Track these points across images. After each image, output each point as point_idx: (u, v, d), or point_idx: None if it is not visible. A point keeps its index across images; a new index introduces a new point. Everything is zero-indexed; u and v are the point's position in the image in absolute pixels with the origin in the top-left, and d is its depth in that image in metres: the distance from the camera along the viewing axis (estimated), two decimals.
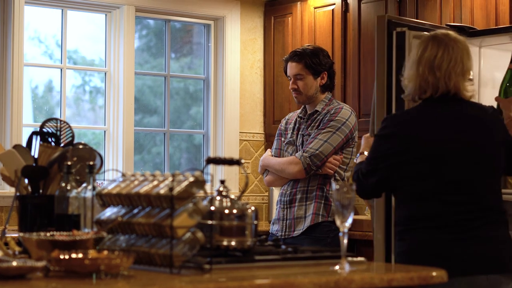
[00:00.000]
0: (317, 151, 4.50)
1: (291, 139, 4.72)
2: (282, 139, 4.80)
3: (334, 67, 4.76)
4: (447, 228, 3.01)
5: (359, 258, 2.77)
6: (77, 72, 6.19)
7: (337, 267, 2.55)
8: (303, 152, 4.53)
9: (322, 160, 4.51)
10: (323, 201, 4.58)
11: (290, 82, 4.68)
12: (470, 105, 3.15)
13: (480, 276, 3.00)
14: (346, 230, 2.58)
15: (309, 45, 4.83)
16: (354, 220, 2.58)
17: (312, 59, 4.62)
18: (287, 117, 4.90)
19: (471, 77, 3.19)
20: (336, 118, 4.56)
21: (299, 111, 4.79)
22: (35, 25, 5.98)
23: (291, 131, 4.75)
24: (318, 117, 4.63)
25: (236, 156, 6.39)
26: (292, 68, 4.67)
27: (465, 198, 3.03)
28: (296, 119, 4.76)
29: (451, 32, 3.21)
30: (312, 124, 4.63)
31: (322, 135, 4.53)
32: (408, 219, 3.10)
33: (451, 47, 3.09)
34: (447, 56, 3.08)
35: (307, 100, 4.66)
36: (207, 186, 2.55)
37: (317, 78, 4.64)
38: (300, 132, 4.69)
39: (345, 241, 2.57)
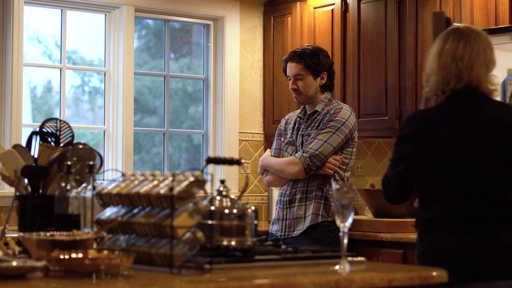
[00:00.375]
0: (317, 151, 4.49)
1: (290, 139, 4.72)
2: (282, 139, 4.79)
3: (334, 67, 4.75)
4: (459, 233, 2.98)
5: (359, 258, 2.77)
6: (76, 72, 6.18)
7: (337, 267, 2.55)
8: (303, 152, 4.52)
9: (322, 160, 4.50)
10: (322, 201, 4.58)
11: (290, 82, 4.68)
12: (494, 104, 3.09)
13: (499, 282, 2.95)
14: (346, 230, 2.58)
15: (308, 45, 4.83)
16: (354, 220, 2.58)
17: (312, 59, 4.62)
18: (286, 117, 4.89)
19: (496, 72, 3.12)
20: (336, 118, 4.55)
21: (298, 111, 4.79)
22: (34, 25, 5.97)
23: (290, 131, 4.74)
24: (317, 117, 4.62)
25: (235, 156, 6.39)
26: (292, 68, 4.66)
27: (476, 203, 2.98)
28: (295, 119, 4.76)
29: (473, 26, 3.18)
30: (312, 124, 4.62)
31: (322, 135, 4.53)
32: (427, 220, 3.07)
33: (473, 38, 3.06)
34: (469, 47, 3.04)
35: (307, 100, 4.66)
36: (207, 186, 2.55)
37: (317, 78, 4.64)
38: (299, 132, 4.68)
39: (345, 241, 2.57)
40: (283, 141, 4.77)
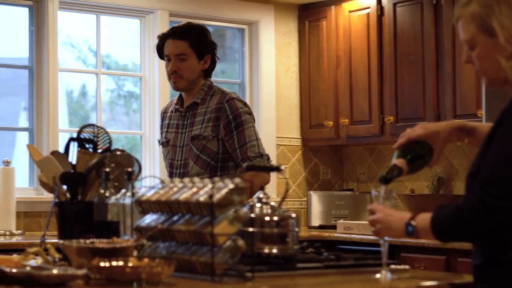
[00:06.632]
0: (262, 153, 4.07)
1: (165, 139, 4.19)
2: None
3: (217, 52, 4.21)
4: None
5: (403, 266, 2.72)
6: (110, 77, 6.19)
7: (378, 276, 2.48)
8: (249, 160, 4.02)
9: (268, 156, 4.13)
10: None
11: (169, 64, 4.07)
12: None
13: None
14: (386, 237, 2.52)
15: (192, 23, 4.23)
16: None
17: (199, 38, 4.07)
18: (162, 109, 4.35)
19: None
20: (240, 112, 4.12)
21: (175, 100, 4.25)
22: (67, 31, 5.98)
23: (166, 128, 4.21)
24: (204, 116, 4.09)
25: (273, 161, 6.34)
26: (174, 47, 4.06)
27: None
28: (170, 114, 4.22)
29: None
30: (202, 125, 4.08)
31: (247, 137, 4.07)
32: None
33: None
34: None
35: (187, 86, 4.10)
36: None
37: (201, 61, 4.10)
38: (181, 130, 4.13)
39: (386, 248, 2.49)
40: (160, 141, 4.27)
